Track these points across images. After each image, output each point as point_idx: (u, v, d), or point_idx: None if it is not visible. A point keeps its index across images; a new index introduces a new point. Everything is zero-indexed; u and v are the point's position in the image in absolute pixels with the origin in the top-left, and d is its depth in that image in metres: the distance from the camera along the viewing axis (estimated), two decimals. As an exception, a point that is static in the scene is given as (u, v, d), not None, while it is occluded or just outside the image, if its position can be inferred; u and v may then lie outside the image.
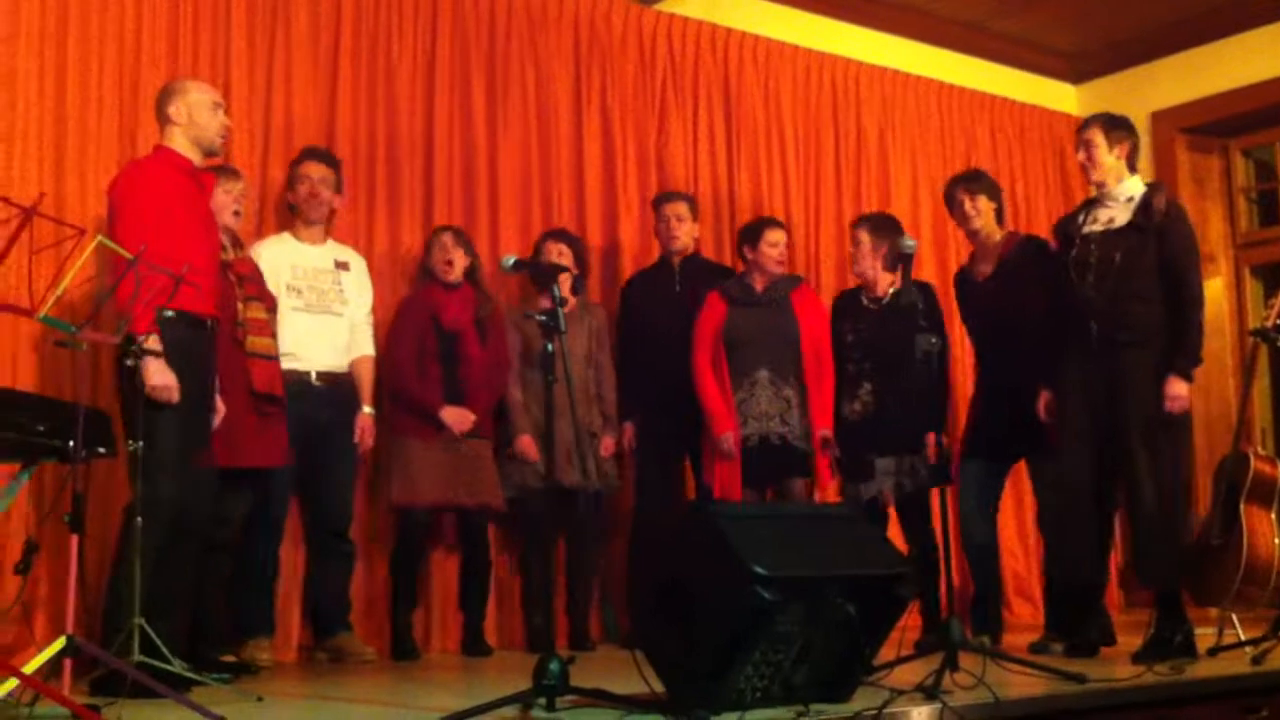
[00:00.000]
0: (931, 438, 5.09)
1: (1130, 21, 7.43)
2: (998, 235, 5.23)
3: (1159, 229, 4.55)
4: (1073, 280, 4.63)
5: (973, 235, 5.29)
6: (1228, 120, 7.54)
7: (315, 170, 5.15)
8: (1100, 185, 4.73)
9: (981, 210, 5.20)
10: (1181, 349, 4.48)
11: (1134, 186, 4.68)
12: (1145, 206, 4.59)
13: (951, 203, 5.30)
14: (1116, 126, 4.72)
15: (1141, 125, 7.62)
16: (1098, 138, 4.68)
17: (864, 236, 5.39)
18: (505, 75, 6.01)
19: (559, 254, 5.46)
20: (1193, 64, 7.56)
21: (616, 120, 6.31)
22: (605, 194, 6.24)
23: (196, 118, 4.19)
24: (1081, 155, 4.74)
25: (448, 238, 5.36)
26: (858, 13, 7.28)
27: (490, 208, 5.90)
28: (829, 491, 5.51)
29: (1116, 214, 4.65)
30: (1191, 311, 4.52)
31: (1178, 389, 4.45)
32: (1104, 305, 4.55)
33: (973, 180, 5.32)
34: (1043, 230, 6.03)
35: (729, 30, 6.76)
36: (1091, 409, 4.56)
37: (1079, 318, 4.59)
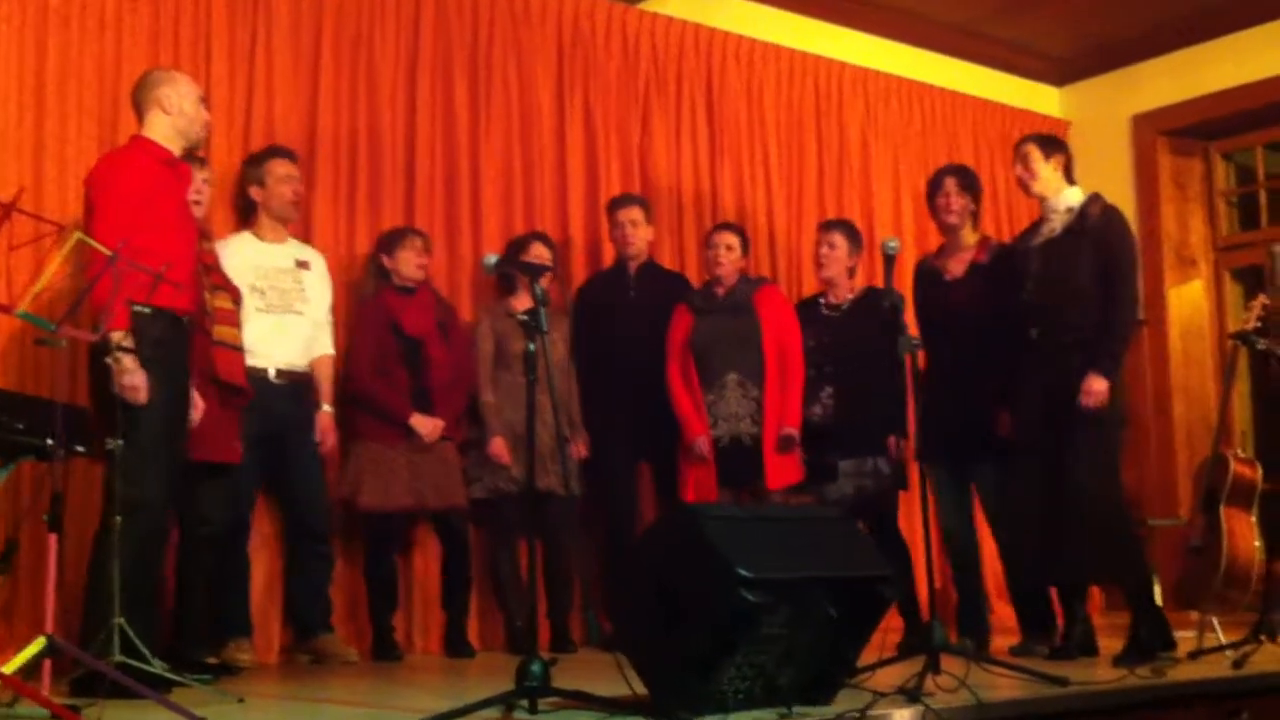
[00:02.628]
0: (892, 440, 5.13)
1: (1113, 25, 7.45)
2: (972, 238, 5.24)
3: (1095, 234, 4.63)
4: (1015, 289, 4.73)
5: (947, 230, 5.29)
6: (1209, 124, 7.57)
7: (287, 167, 5.11)
8: (1041, 199, 4.82)
9: (962, 207, 5.20)
10: (1102, 346, 4.54)
11: (1072, 197, 4.79)
12: (1081, 214, 4.69)
13: (936, 191, 5.28)
14: (1050, 142, 4.89)
15: (1123, 128, 7.72)
16: (1034, 151, 4.81)
17: (841, 240, 5.40)
18: (488, 74, 6.00)
19: (539, 256, 5.43)
20: (1175, 68, 7.59)
21: (599, 120, 6.30)
22: (588, 194, 6.23)
23: (186, 109, 4.15)
24: (1019, 169, 4.85)
25: (420, 242, 5.33)
26: (841, 14, 7.29)
27: (472, 207, 5.88)
28: (789, 493, 5.46)
29: (1056, 224, 4.76)
30: (1119, 311, 4.60)
31: (1096, 385, 4.49)
32: (1043, 311, 4.65)
33: (962, 175, 5.33)
34: (993, 236, 6.00)
35: (712, 30, 6.75)
36: (1038, 412, 4.63)
37: (1022, 325, 4.69)
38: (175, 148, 4.16)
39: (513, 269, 5.16)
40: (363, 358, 5.20)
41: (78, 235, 3.64)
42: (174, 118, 4.14)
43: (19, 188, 3.83)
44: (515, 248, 5.51)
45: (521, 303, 5.36)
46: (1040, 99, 8.11)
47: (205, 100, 4.32)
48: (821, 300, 5.51)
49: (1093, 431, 4.51)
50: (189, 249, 4.19)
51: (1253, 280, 7.25)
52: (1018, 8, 7.28)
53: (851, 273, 5.48)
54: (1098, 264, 4.60)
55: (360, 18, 5.68)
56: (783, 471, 5.28)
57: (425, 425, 5.16)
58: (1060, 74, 8.11)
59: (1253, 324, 4.88)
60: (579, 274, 6.10)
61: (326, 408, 5.09)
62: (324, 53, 5.57)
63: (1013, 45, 7.76)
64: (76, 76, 4.93)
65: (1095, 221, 4.65)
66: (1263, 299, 4.93)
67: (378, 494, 5.09)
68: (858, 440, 5.21)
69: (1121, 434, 4.70)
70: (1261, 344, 4.84)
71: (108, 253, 3.53)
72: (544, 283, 5.24)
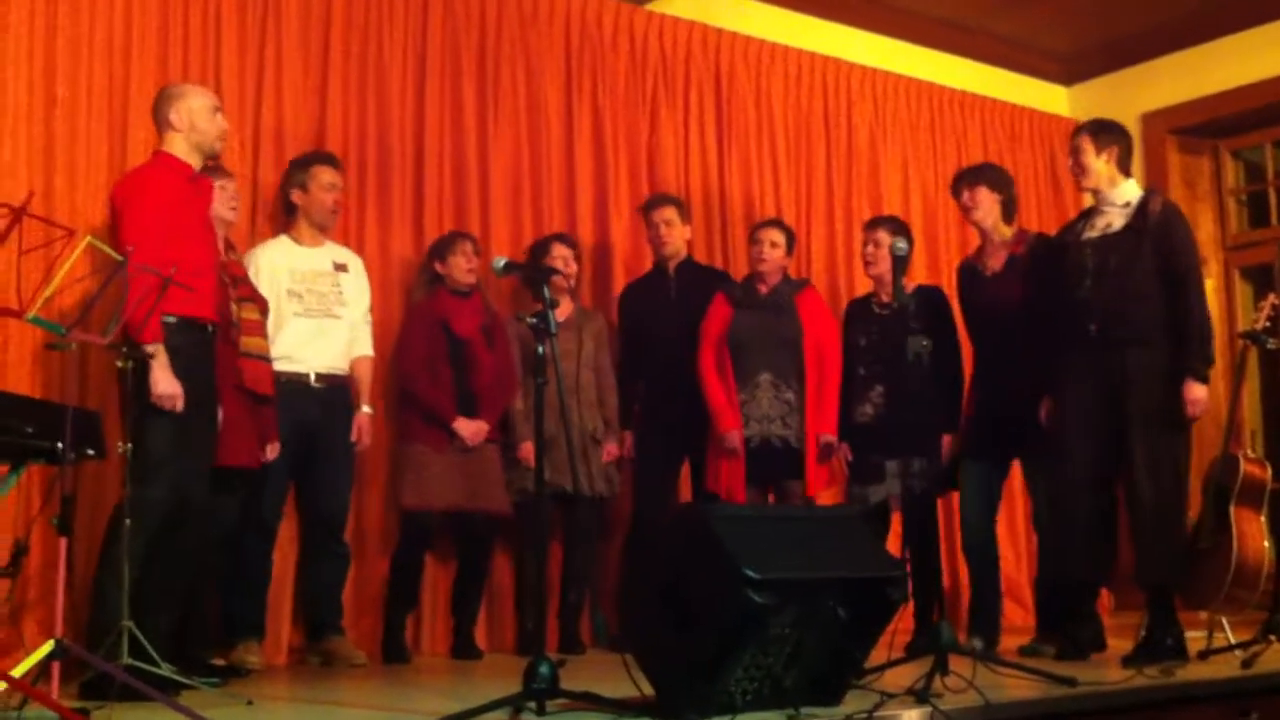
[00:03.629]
0: (947, 439, 5.10)
1: (1121, 23, 7.44)
2: (1006, 230, 5.20)
3: (1155, 231, 4.56)
4: (1070, 285, 4.64)
5: (979, 229, 5.28)
6: (1218, 122, 7.55)
7: (333, 175, 5.15)
8: (1095, 191, 4.75)
9: (981, 202, 5.17)
10: (1192, 351, 4.48)
11: (1130, 191, 4.70)
12: (1141, 210, 4.60)
13: (957, 195, 5.29)
14: (1104, 131, 4.76)
15: (1132, 127, 7.59)
16: (1085, 144, 4.73)
17: (884, 237, 5.31)
18: (496, 76, 6.01)
19: (563, 258, 5.46)
20: (1183, 66, 7.57)
21: (608, 121, 6.30)
22: (596, 195, 6.24)
23: (198, 123, 4.19)
24: (1071, 162, 4.79)
25: (470, 245, 5.36)
26: (849, 13, 7.28)
27: (481, 210, 5.89)
28: (826, 494, 5.49)
29: (1113, 219, 4.67)
30: (1196, 313, 4.53)
31: (1197, 393, 4.45)
32: (1102, 307, 4.56)
33: (973, 173, 5.31)
34: (1030, 228, 6.00)
35: (720, 30, 6.75)
36: (1094, 410, 4.57)
37: (1077, 320, 4.61)
38: (194, 162, 4.21)
39: (521, 272, 5.17)
40: (413, 358, 5.24)
41: (89, 239, 3.65)
42: (186, 133, 4.18)
43: (29, 192, 3.84)
44: (538, 251, 5.54)
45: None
46: (1049, 98, 8.10)
47: (220, 109, 4.34)
48: (872, 299, 5.48)
49: (1160, 435, 4.48)
50: (211, 260, 4.25)
51: (1263, 279, 7.23)
52: (1026, 6, 7.27)
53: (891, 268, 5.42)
54: (1158, 261, 4.54)
55: (369, 20, 5.69)
56: (818, 479, 5.31)
57: (468, 428, 5.19)
58: (1069, 72, 8.09)
59: (1262, 323, 4.86)
60: (588, 274, 6.10)
61: (366, 408, 5.11)
62: (333, 55, 5.58)
63: (1021, 44, 7.75)
64: (86, 81, 4.94)
65: (1156, 219, 4.58)
66: (1273, 298, 4.90)
67: (420, 493, 5.12)
68: (906, 440, 5.16)
69: (1188, 437, 4.63)
70: (1272, 343, 4.82)
71: (117, 257, 3.55)
72: (559, 284, 5.33)
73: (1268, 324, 4.84)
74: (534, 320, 3.53)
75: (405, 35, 5.78)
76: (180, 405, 3.91)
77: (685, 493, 5.78)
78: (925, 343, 4.71)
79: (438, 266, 5.36)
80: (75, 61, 4.93)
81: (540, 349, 3.49)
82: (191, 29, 5.23)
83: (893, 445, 5.15)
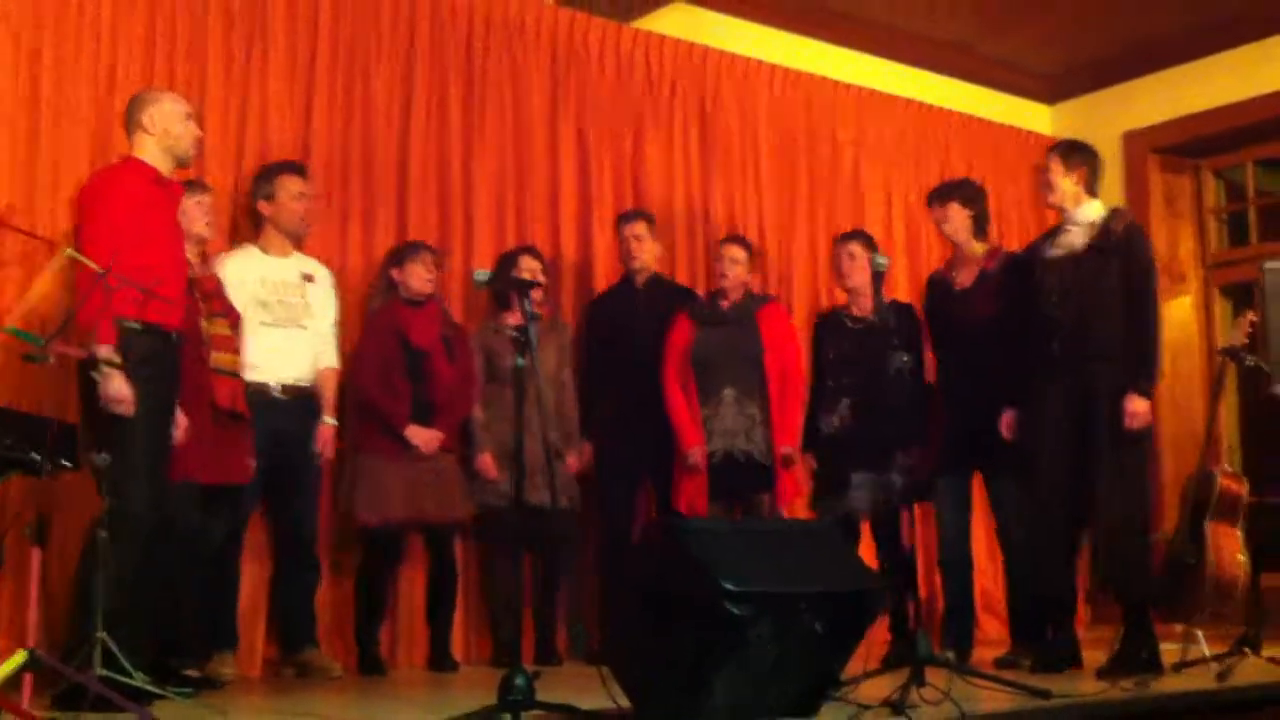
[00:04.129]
0: (915, 453, 5.12)
1: (1104, 43, 7.49)
2: (978, 246, 5.25)
3: (1119, 250, 4.64)
4: (1036, 302, 4.71)
5: (951, 244, 5.33)
6: (1199, 141, 7.60)
7: (300, 184, 5.13)
8: (1060, 210, 4.82)
9: (951, 217, 5.22)
10: (1140, 367, 4.56)
11: (1094, 210, 4.78)
12: (1105, 229, 4.67)
13: (932, 210, 5.36)
14: (1074, 151, 4.86)
15: (1114, 145, 7.73)
16: (1054, 164, 4.81)
17: (860, 250, 5.34)
18: (482, 91, 6.02)
19: (530, 270, 5.45)
20: (1165, 85, 7.62)
21: (592, 137, 6.32)
22: (580, 210, 6.25)
23: (170, 127, 4.17)
24: (1042, 183, 4.86)
25: (429, 256, 5.34)
26: (834, 32, 7.32)
27: (465, 223, 5.90)
28: (793, 508, 5.49)
29: (1077, 238, 4.74)
30: (1150, 330, 4.61)
31: (1137, 405, 4.52)
32: (1067, 325, 4.64)
33: (943, 190, 5.37)
34: (1002, 245, 6.03)
35: (706, 48, 6.78)
36: (1059, 426, 4.62)
37: (1043, 338, 4.68)
38: (163, 166, 4.18)
39: (504, 285, 5.17)
40: (368, 366, 5.21)
41: (68, 251, 3.66)
42: (158, 137, 4.16)
43: (8, 204, 3.85)
44: (505, 263, 5.53)
45: (514, 318, 5.38)
46: (1031, 116, 8.15)
47: (194, 116, 4.34)
48: (844, 312, 5.50)
49: (1123, 449, 4.52)
50: (178, 265, 4.21)
51: (1242, 297, 7.27)
52: (1009, 26, 7.32)
53: (872, 282, 5.44)
54: (1122, 280, 4.61)
55: (355, 34, 5.69)
56: (789, 490, 5.32)
57: (421, 437, 5.17)
58: (1051, 91, 8.14)
59: (1241, 340, 4.90)
60: (570, 289, 6.13)
61: (329, 420, 5.09)
62: (319, 68, 5.58)
63: (1004, 63, 7.80)
64: (71, 92, 4.94)
65: (1120, 238, 4.65)
66: (1251, 315, 4.94)
67: (375, 507, 5.09)
68: (874, 453, 5.18)
69: (1149, 450, 4.69)
70: (1250, 359, 4.86)
71: (98, 269, 3.55)
72: (536, 297, 5.33)
73: (1246, 341, 4.88)
74: (515, 333, 3.54)
75: (391, 50, 5.79)
76: (130, 410, 3.84)
77: (650, 506, 5.79)
78: (906, 357, 4.75)
79: (394, 274, 5.33)
80: (59, 75, 4.92)
81: (520, 361, 3.49)
82: (177, 44, 5.23)
83: (861, 457, 5.17)
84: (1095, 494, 4.54)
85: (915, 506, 5.19)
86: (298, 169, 5.18)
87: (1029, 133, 7.98)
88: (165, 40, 5.20)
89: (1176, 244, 7.70)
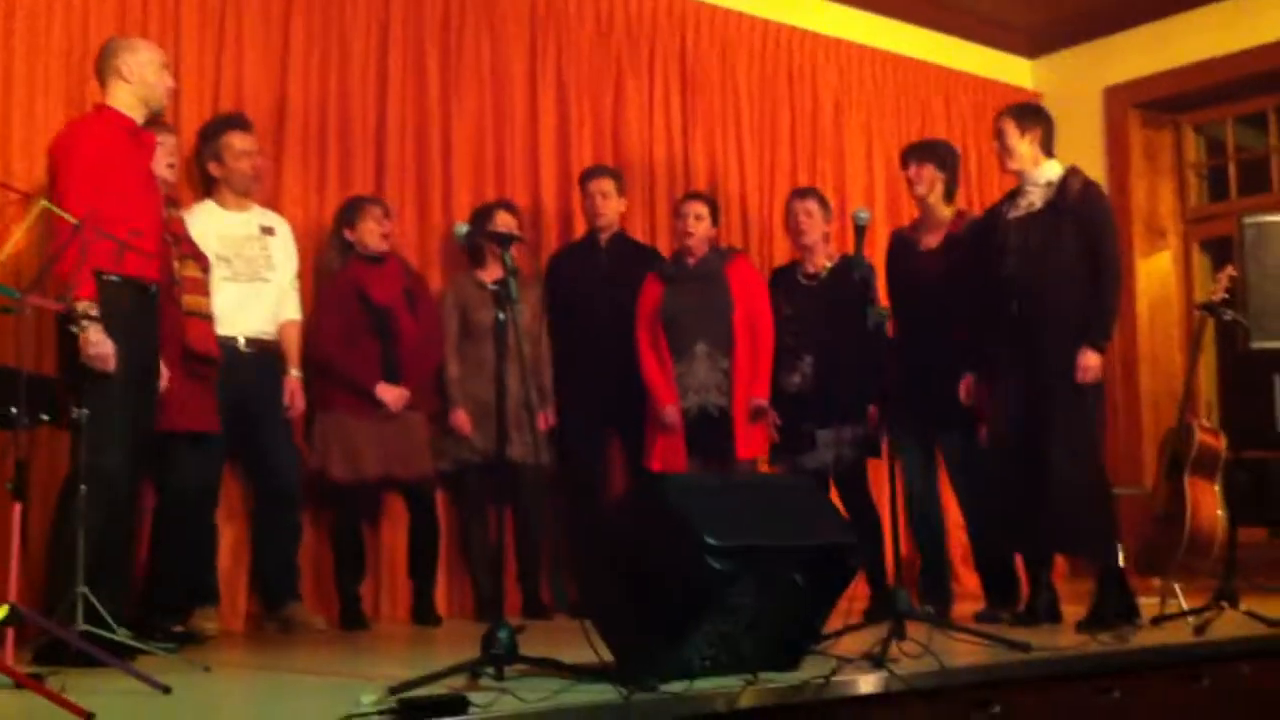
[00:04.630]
0: (874, 409, 5.15)
1: (1085, -3, 7.48)
2: (946, 210, 5.24)
3: (1075, 209, 4.66)
4: (994, 264, 4.74)
5: (919, 203, 5.32)
6: (1180, 96, 7.59)
7: (245, 140, 5.03)
8: (1019, 173, 4.82)
9: (924, 178, 5.21)
10: (1094, 322, 4.59)
11: (1051, 170, 4.79)
12: (1061, 188, 4.68)
13: (905, 167, 5.33)
14: (1026, 114, 4.88)
15: (1095, 100, 7.73)
16: (1009, 126, 4.80)
17: (815, 208, 5.40)
18: (460, 43, 5.96)
19: (505, 224, 5.41)
20: (1147, 40, 7.60)
21: (572, 90, 6.27)
22: (559, 164, 6.21)
23: (146, 76, 4.13)
24: (997, 145, 4.85)
25: (379, 210, 5.30)
26: (815, -16, 7.28)
27: (444, 176, 5.86)
28: (755, 463, 5.47)
29: (1035, 198, 4.76)
30: (1108, 286, 4.62)
31: (1089, 360, 4.55)
32: (1023, 285, 4.66)
33: (923, 149, 5.36)
34: (969, 210, 6.02)
35: (685, 0, 6.72)
36: (1016, 385, 4.66)
37: (1000, 299, 4.71)
38: (138, 116, 4.14)
39: (484, 239, 5.14)
40: (329, 328, 5.18)
41: (43, 203, 3.62)
42: (134, 86, 4.11)
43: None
44: (481, 216, 5.49)
45: (490, 273, 5.36)
46: (1013, 70, 8.12)
47: (169, 66, 4.29)
48: (799, 268, 5.50)
49: (1074, 405, 4.55)
50: (154, 217, 4.17)
51: (1221, 252, 7.29)
52: (991, -22, 7.29)
53: (827, 239, 5.49)
54: (1079, 239, 4.62)
55: (331, -15, 5.64)
56: (751, 443, 5.30)
57: (390, 394, 5.16)
58: (1032, 46, 8.11)
59: (1220, 295, 4.91)
60: (550, 243, 6.10)
61: (294, 372, 5.08)
62: (294, 20, 5.53)
63: (985, 17, 7.77)
64: (44, 45, 4.89)
65: (1075, 197, 4.66)
66: (1230, 270, 4.96)
67: (348, 465, 5.09)
68: (836, 409, 5.22)
69: (1101, 406, 4.72)
70: (1228, 315, 4.88)
71: (74, 221, 3.51)
72: (514, 252, 5.30)
73: (1225, 296, 4.89)
74: (495, 286, 3.52)
75: (368, 3, 5.73)
76: (111, 365, 3.82)
77: (615, 465, 5.80)
78: (884, 312, 4.73)
79: (347, 234, 5.29)
80: (33, 27, 4.87)
81: (501, 316, 3.47)
82: (150, -1, 5.17)
83: (824, 414, 5.20)
84: (1046, 453, 4.55)
85: (868, 461, 5.28)
86: (240, 124, 5.07)
87: (1010, 86, 7.96)
88: (138, -5, 5.14)
89: (1156, 199, 7.72)
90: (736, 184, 6.71)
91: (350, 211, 5.31)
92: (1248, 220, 4.98)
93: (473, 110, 5.97)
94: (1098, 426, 4.69)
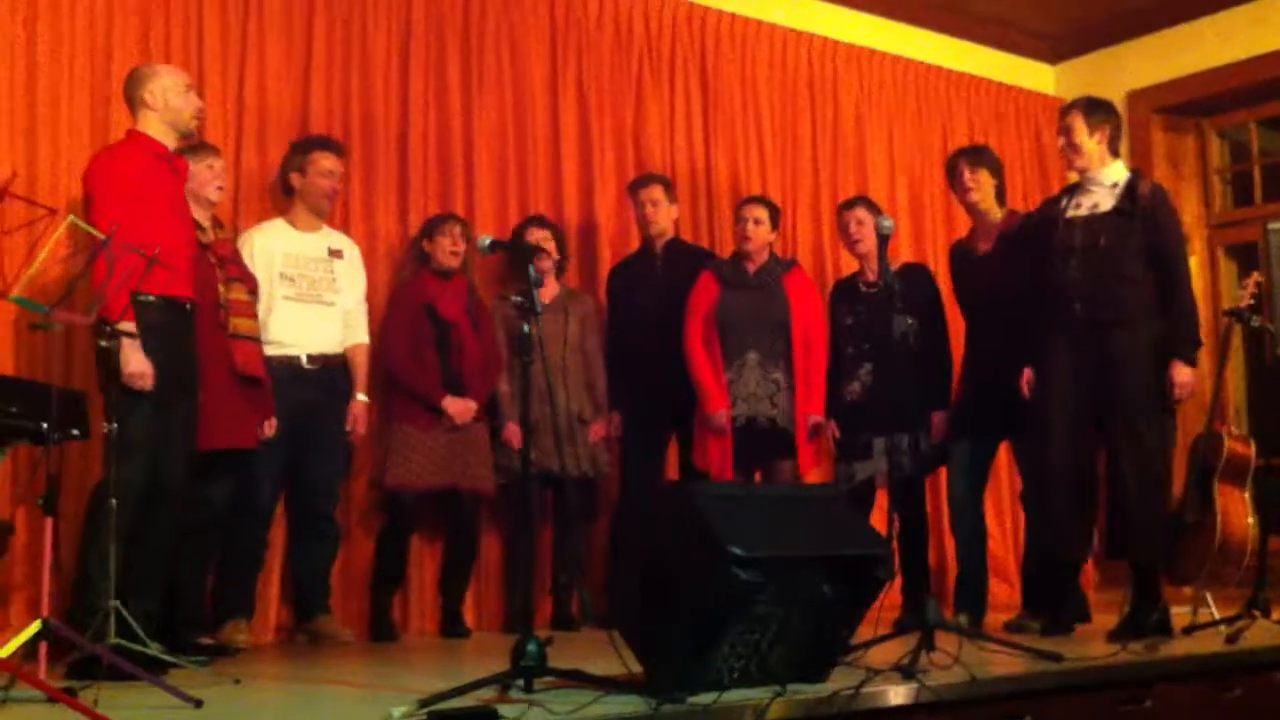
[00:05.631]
0: (937, 419, 5.12)
1: (1107, 1, 7.43)
2: (998, 213, 5.22)
3: (1145, 214, 4.57)
4: (1056, 263, 4.64)
5: (971, 209, 5.30)
6: (1203, 100, 7.56)
7: (332, 163, 5.14)
8: (1083, 171, 4.73)
9: (981, 184, 5.19)
10: (1181, 334, 4.51)
11: (1117, 172, 4.70)
12: (1130, 191, 4.60)
13: (953, 174, 5.30)
14: (1096, 110, 4.73)
15: (1117, 105, 7.57)
16: (1078, 122, 4.69)
17: (866, 215, 5.33)
18: (481, 56, 5.98)
19: (539, 239, 5.44)
20: (1169, 44, 7.57)
21: (593, 101, 6.28)
22: (582, 175, 6.22)
23: (171, 100, 4.17)
24: (1062, 140, 4.74)
25: (457, 228, 5.36)
26: (834, -10, 7.27)
27: (466, 190, 5.87)
28: (813, 476, 5.49)
29: (1100, 199, 4.66)
30: (1184, 296, 4.55)
31: (1183, 375, 4.47)
32: (1089, 288, 4.57)
33: (975, 154, 5.33)
34: (1020, 210, 6.02)
35: (705, 9, 6.73)
36: (1077, 389, 4.57)
37: (1063, 300, 4.61)
38: (168, 141, 4.19)
39: (506, 250, 5.14)
40: (397, 340, 5.25)
41: (71, 219, 3.64)
42: (161, 112, 4.17)
43: (12, 172, 3.83)
44: (516, 233, 5.53)
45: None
46: (1035, 76, 8.10)
47: (194, 88, 4.32)
48: (859, 278, 5.46)
49: (1153, 413, 4.49)
50: (186, 238, 4.23)
51: (1247, 257, 7.24)
52: (1011, -17, 7.27)
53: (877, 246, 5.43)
54: (1146, 243, 4.54)
55: (352, 0, 5.66)
56: (810, 458, 5.32)
57: (457, 406, 5.20)
58: (1054, 51, 8.09)
59: (1246, 301, 4.88)
60: (574, 254, 6.09)
61: (361, 396, 5.11)
62: (316, 34, 5.56)
63: (1006, 22, 7.74)
64: (68, 60, 4.93)
65: (1146, 201, 4.58)
66: (1256, 276, 4.92)
67: (407, 474, 5.14)
68: (893, 417, 5.17)
69: (1172, 417, 4.64)
70: (1255, 320, 4.84)
71: (100, 236, 3.53)
72: (543, 264, 5.34)
73: (1251, 302, 4.86)
74: (519, 299, 3.52)
75: (389, 14, 5.76)
76: (150, 384, 3.87)
77: (672, 472, 5.79)
78: (910, 321, 4.73)
79: (425, 245, 5.38)
80: (57, 43, 4.91)
81: (526, 328, 3.47)
82: (173, 8, 5.21)
83: (881, 423, 5.15)
84: (1116, 460, 4.50)
85: (932, 471, 5.23)
86: (331, 146, 5.18)
87: (1032, 93, 7.94)
88: (160, 7, 5.17)
89: (1181, 205, 7.63)
90: (758, 193, 6.69)
91: (431, 225, 5.40)
92: (1272, 226, 4.94)
93: (494, 122, 5.98)
94: (1172, 438, 4.63)
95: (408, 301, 5.30)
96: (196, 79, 4.89)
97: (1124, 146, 7.51)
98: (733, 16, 6.82)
